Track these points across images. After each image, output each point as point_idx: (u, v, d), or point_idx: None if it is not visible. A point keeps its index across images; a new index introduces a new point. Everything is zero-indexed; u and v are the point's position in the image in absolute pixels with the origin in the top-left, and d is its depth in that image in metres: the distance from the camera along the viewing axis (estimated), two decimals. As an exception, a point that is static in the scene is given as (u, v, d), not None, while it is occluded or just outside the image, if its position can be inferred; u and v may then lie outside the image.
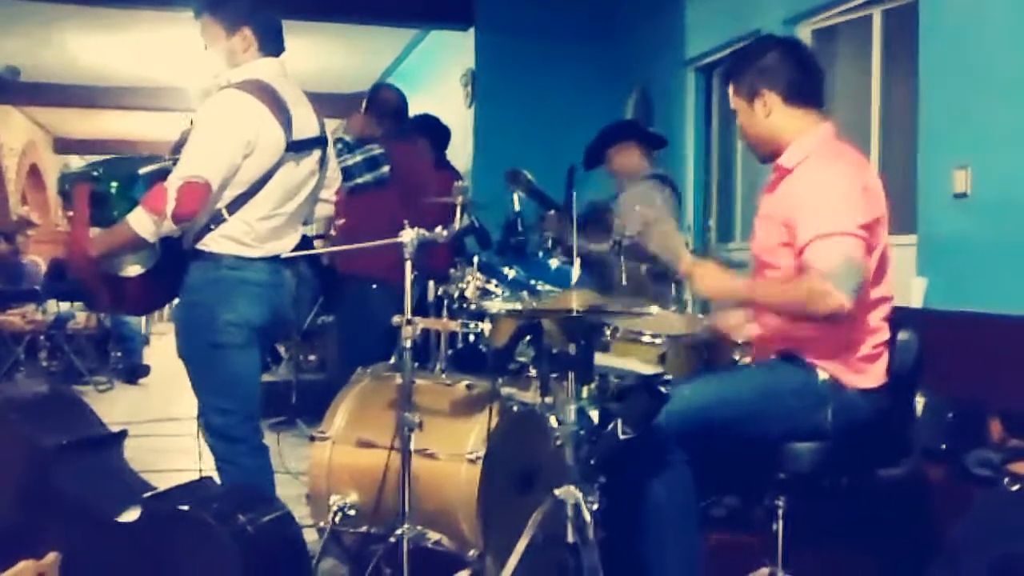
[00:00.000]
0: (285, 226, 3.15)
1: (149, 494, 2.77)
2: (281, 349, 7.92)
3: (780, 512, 2.74)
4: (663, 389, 2.60)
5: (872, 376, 2.67)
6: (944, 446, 3.39)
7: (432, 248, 3.18)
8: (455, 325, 3.26)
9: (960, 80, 4.20)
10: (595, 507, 2.51)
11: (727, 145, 6.52)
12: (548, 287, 3.40)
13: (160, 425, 6.78)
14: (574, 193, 2.72)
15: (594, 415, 2.74)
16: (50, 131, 14.78)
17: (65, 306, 9.37)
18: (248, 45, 3.14)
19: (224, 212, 3.03)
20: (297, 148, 3.11)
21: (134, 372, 9.70)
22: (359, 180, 4.68)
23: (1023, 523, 2.63)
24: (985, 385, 3.59)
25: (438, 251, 3.75)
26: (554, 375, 2.65)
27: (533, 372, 3.18)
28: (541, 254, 3.72)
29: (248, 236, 3.06)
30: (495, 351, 3.12)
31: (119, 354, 10.02)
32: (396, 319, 2.94)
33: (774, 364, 2.73)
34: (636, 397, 2.59)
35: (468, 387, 3.19)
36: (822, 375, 2.64)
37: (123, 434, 3.04)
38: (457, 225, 3.40)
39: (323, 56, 9.50)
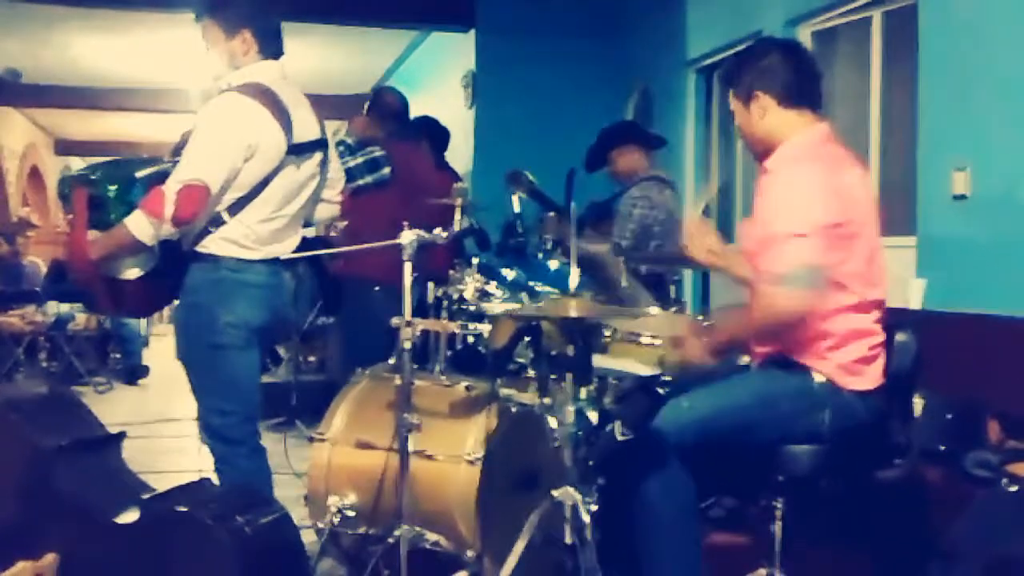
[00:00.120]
0: (285, 228, 3.15)
1: (148, 495, 2.77)
2: (281, 350, 7.92)
3: (778, 513, 2.74)
4: (661, 391, 2.60)
5: (869, 378, 2.68)
6: (943, 447, 3.39)
7: (432, 249, 3.18)
8: (454, 326, 3.27)
9: (960, 81, 4.20)
10: (593, 508, 2.51)
11: (727, 145, 6.53)
12: (547, 289, 3.40)
13: (159, 426, 6.80)
14: (573, 204, 2.72)
15: (593, 416, 2.73)
16: (51, 133, 14.77)
17: (65, 307, 9.35)
18: (248, 48, 3.13)
19: (224, 215, 3.03)
20: (298, 151, 3.11)
21: (134, 373, 9.69)
22: (360, 182, 4.69)
23: (1021, 524, 2.63)
24: (984, 386, 3.59)
25: (438, 252, 3.75)
26: (553, 376, 2.65)
27: (532, 373, 3.17)
28: (540, 256, 3.72)
29: (248, 238, 3.06)
30: (494, 352, 3.12)
31: (119, 355, 10.04)
32: (395, 320, 2.94)
33: (770, 369, 2.73)
34: (634, 398, 2.60)
35: (467, 388, 3.19)
36: (818, 378, 2.64)
37: (122, 435, 3.04)
38: (456, 226, 3.41)
39: (324, 58, 9.51)
